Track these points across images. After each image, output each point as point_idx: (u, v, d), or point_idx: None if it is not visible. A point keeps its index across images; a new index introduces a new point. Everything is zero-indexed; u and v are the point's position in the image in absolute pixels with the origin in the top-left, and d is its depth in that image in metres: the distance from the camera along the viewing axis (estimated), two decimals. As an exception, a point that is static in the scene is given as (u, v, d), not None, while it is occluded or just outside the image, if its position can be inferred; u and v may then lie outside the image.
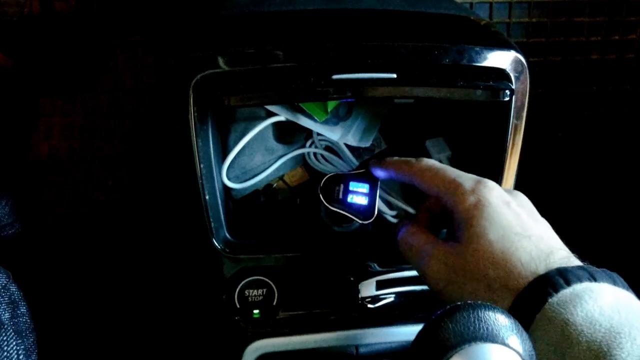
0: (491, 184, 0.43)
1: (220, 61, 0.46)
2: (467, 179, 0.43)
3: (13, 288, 0.48)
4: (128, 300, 0.74)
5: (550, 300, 0.35)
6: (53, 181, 0.74)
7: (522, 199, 0.44)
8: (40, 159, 0.73)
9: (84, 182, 0.74)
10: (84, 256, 0.74)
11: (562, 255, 0.38)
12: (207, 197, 0.50)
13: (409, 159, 0.48)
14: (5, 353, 0.44)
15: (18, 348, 0.45)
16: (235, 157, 0.55)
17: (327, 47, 0.46)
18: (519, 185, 0.52)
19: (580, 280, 0.35)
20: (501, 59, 0.47)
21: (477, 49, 0.47)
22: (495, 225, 0.39)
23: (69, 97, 0.72)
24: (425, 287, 0.53)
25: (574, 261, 0.38)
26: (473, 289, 0.38)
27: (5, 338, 0.44)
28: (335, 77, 0.45)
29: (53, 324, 0.61)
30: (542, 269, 0.37)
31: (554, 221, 0.72)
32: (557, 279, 0.35)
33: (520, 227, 0.39)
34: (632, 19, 0.79)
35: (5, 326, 0.45)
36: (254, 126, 0.55)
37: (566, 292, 0.35)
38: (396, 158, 0.49)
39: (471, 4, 0.77)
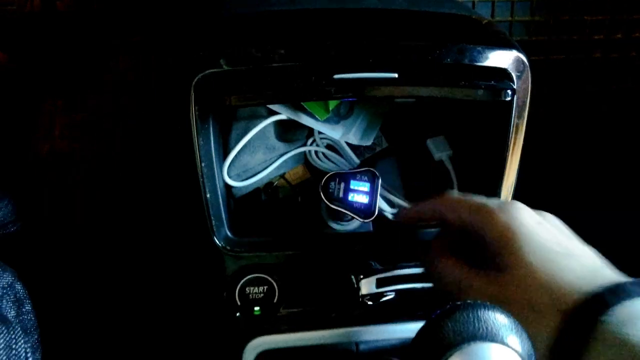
0: (519, 204, 0.41)
1: (222, 60, 0.46)
2: (493, 202, 0.41)
3: (18, 286, 0.48)
4: (129, 298, 0.74)
5: (603, 319, 0.33)
6: (53, 180, 0.74)
7: (552, 218, 0.42)
8: (40, 157, 0.73)
9: (84, 182, 0.74)
10: (85, 254, 0.74)
11: (608, 273, 0.37)
12: (208, 196, 0.50)
13: (429, 200, 0.46)
14: (14, 351, 0.44)
15: (25, 346, 0.46)
16: (236, 156, 0.55)
17: (329, 47, 0.46)
18: (520, 185, 0.53)
19: (631, 296, 0.33)
20: (503, 59, 0.47)
21: (479, 48, 0.47)
22: (532, 247, 0.38)
23: (69, 97, 0.72)
24: (425, 285, 0.53)
25: (622, 278, 0.36)
26: (519, 317, 0.36)
27: (13, 336, 0.45)
28: (336, 76, 0.45)
29: (54, 321, 0.61)
30: (590, 288, 0.35)
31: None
32: (609, 297, 0.34)
33: (558, 246, 0.38)
34: (636, 17, 0.79)
35: (13, 324, 0.45)
36: (255, 124, 0.55)
37: (619, 310, 0.33)
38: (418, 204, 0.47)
39: (473, 2, 0.77)
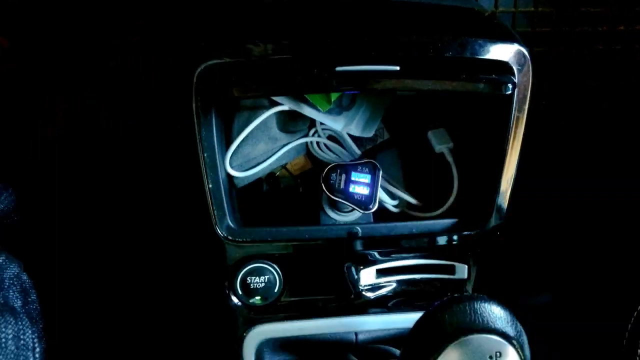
0: None
1: (224, 52, 0.46)
2: None
3: (24, 277, 0.49)
4: (131, 288, 0.75)
5: None
6: (53, 178, 0.74)
7: None
8: (40, 156, 0.73)
9: (84, 180, 0.74)
10: (86, 246, 0.75)
11: None
12: (210, 186, 0.50)
13: None
14: (22, 341, 0.45)
15: (33, 336, 0.47)
16: (238, 146, 0.55)
17: (331, 39, 0.46)
18: (520, 177, 0.53)
19: None
20: (504, 52, 0.47)
21: (480, 41, 0.47)
22: None
23: (69, 97, 0.72)
24: (424, 276, 0.54)
25: None
26: None
27: (21, 327, 0.45)
28: (338, 69, 0.45)
29: (56, 311, 0.62)
30: None
31: (553, 214, 0.72)
32: None
33: None
34: (639, 9, 0.79)
35: (20, 315, 0.46)
36: (257, 115, 0.55)
37: None
38: None
39: None
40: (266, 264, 0.53)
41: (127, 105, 0.73)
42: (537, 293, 0.74)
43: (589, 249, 0.71)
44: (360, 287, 0.52)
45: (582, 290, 0.67)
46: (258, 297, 0.53)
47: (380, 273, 0.54)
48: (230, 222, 0.52)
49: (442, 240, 0.53)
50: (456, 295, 0.37)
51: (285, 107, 0.55)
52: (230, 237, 0.52)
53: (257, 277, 0.53)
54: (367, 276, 0.53)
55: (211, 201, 0.51)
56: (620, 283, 0.60)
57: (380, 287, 0.54)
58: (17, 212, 0.61)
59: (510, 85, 0.47)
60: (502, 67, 0.47)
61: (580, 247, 0.72)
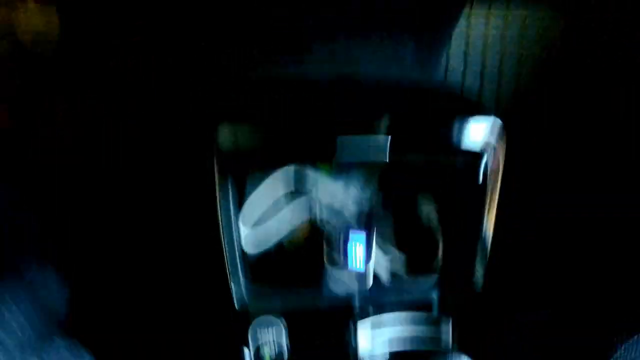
0: None
1: (241, 137, 0.53)
2: None
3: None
4: (145, 336, 0.75)
5: None
6: (53, 179, 0.74)
7: None
8: (41, 156, 0.74)
9: (84, 181, 0.75)
10: (89, 248, 0.75)
11: None
12: (227, 249, 0.57)
13: None
14: None
15: None
16: (249, 207, 0.61)
17: (331, 126, 0.54)
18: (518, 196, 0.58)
19: None
20: (478, 138, 0.53)
21: (456, 131, 0.53)
22: None
23: (69, 97, 0.73)
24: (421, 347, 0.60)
25: None
26: None
27: None
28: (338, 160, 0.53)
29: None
30: None
31: (550, 230, 0.72)
32: None
33: None
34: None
35: None
36: (267, 180, 0.61)
37: None
38: None
39: (463, 73, 0.81)
40: (278, 328, 0.60)
41: (127, 105, 0.73)
42: (534, 309, 0.75)
43: (586, 265, 0.73)
44: (359, 354, 0.59)
45: (578, 306, 0.69)
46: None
47: (377, 335, 0.60)
48: (243, 286, 0.59)
49: (430, 297, 0.60)
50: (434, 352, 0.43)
51: (291, 174, 0.62)
52: (243, 301, 0.59)
53: (268, 345, 0.60)
54: (365, 342, 0.60)
55: (228, 268, 0.58)
56: (616, 299, 0.64)
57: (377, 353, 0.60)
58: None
59: (481, 174, 0.54)
60: (475, 156, 0.54)
61: (577, 263, 0.73)
